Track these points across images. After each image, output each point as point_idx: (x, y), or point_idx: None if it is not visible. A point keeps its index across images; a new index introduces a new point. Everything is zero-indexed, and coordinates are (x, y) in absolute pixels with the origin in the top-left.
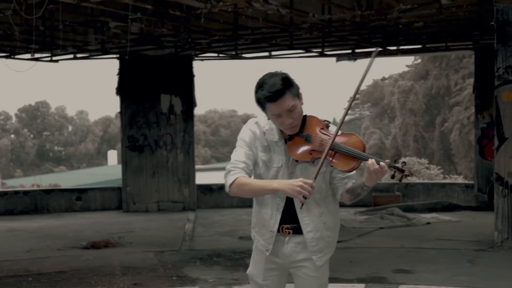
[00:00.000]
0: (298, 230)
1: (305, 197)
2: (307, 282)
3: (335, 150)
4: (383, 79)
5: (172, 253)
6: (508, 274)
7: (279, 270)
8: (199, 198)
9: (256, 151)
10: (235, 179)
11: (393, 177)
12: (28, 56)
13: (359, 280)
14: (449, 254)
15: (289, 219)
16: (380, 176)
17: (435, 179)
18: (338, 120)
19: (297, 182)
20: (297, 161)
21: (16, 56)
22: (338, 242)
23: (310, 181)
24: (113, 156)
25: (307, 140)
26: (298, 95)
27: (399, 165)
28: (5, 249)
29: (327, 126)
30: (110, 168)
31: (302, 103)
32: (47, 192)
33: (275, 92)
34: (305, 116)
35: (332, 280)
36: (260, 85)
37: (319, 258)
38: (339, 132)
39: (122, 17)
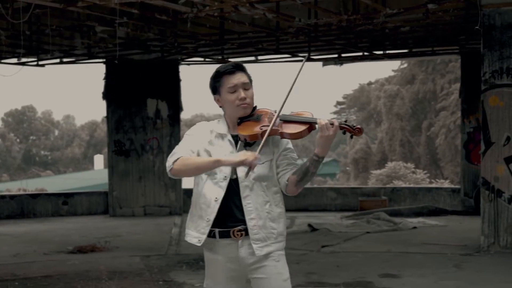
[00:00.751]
0: (248, 231)
1: (250, 167)
2: (272, 281)
3: (283, 120)
4: (370, 83)
5: (159, 258)
6: (494, 279)
7: (238, 277)
8: (185, 202)
9: (201, 146)
10: (178, 158)
11: (344, 133)
12: (14, 60)
13: (346, 285)
14: (436, 259)
15: (238, 215)
16: (331, 135)
17: (422, 184)
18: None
19: (241, 152)
20: (246, 145)
21: (2, 61)
22: (324, 246)
23: (254, 153)
24: (99, 160)
25: (258, 119)
26: (251, 83)
27: (351, 124)
28: None
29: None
30: (97, 173)
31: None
32: (34, 196)
33: (235, 64)
34: (255, 107)
35: (319, 284)
36: (219, 67)
37: (259, 248)
38: (290, 113)
39: (108, 21)
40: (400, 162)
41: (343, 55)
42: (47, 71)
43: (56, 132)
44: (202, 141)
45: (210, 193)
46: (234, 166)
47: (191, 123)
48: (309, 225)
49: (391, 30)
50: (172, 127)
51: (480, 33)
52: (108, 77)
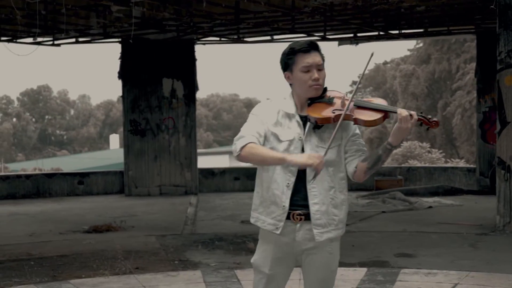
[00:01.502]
0: (308, 217)
1: (316, 169)
2: (317, 270)
3: (357, 105)
4: (385, 63)
5: (174, 237)
6: (510, 258)
7: (287, 259)
8: (201, 182)
9: (267, 126)
10: (247, 143)
11: (421, 124)
12: (30, 40)
13: (361, 264)
14: (451, 238)
15: (300, 199)
16: (408, 126)
17: (437, 163)
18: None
19: (306, 153)
20: (315, 128)
21: (18, 40)
22: None
23: (319, 155)
24: (115, 140)
25: (329, 102)
26: (324, 64)
27: (428, 116)
28: (7, 233)
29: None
30: (112, 152)
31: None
32: (49, 176)
33: (311, 43)
34: (325, 88)
35: None
36: (293, 44)
37: (319, 233)
38: (363, 98)
39: (124, 1)
40: (415, 141)
41: (358, 34)
42: (63, 50)
43: (72, 112)
44: (268, 122)
45: (282, 179)
46: (299, 167)
47: (206, 103)
48: None
49: (407, 10)
50: (188, 107)
51: (495, 12)
52: (123, 57)
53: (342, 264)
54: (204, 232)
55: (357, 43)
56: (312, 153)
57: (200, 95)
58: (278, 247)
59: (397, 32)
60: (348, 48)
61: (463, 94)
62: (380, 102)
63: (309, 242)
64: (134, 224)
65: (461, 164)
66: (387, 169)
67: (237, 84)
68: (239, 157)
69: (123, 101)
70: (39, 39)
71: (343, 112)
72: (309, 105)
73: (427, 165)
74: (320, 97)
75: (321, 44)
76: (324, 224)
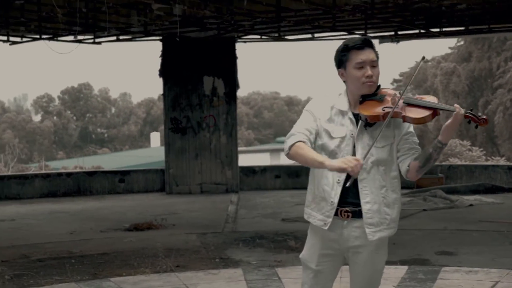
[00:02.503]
0: (356, 214)
1: (352, 173)
2: (363, 268)
3: (407, 102)
4: (426, 61)
5: (215, 235)
6: None
7: (334, 255)
8: (242, 180)
9: (320, 122)
10: (296, 142)
11: (469, 122)
12: (71, 38)
13: (402, 262)
14: (492, 236)
15: (350, 197)
16: (458, 123)
17: (478, 161)
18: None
19: (344, 157)
20: (366, 125)
21: (59, 38)
22: None
23: (357, 158)
24: (156, 138)
25: (380, 99)
26: (378, 61)
27: (478, 114)
28: (48, 231)
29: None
30: (153, 150)
31: None
32: (90, 174)
33: (365, 40)
34: (378, 86)
35: None
36: (347, 41)
37: (372, 232)
38: (415, 96)
39: None
40: (456, 139)
41: (399, 32)
42: (104, 48)
43: (113, 110)
44: (322, 118)
45: (332, 175)
46: (335, 171)
47: (247, 101)
48: None
49: (448, 8)
50: (229, 105)
51: None
52: (164, 55)
53: None
54: (245, 230)
55: (398, 41)
56: (348, 157)
57: (241, 93)
58: (325, 243)
59: (438, 30)
60: (389, 46)
61: (504, 92)
62: (432, 99)
63: (355, 240)
64: (175, 222)
65: (502, 162)
66: None
67: (278, 82)
68: (288, 156)
69: (164, 99)
70: (80, 37)
71: (391, 110)
72: (360, 102)
73: (467, 163)
74: (372, 95)
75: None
76: (377, 223)
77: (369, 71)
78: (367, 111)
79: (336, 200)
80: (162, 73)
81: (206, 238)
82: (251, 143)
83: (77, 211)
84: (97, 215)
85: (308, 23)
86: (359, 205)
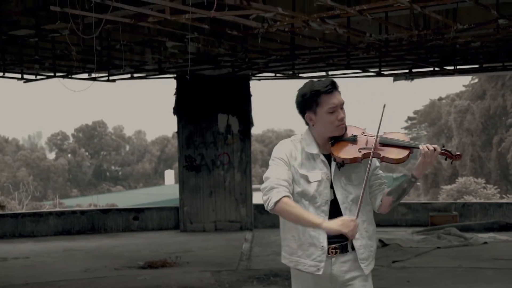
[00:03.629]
0: (343, 249)
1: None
2: None
3: (383, 143)
4: (440, 99)
5: (229, 273)
6: None
7: None
8: (256, 217)
9: (294, 169)
10: (281, 198)
11: (446, 159)
12: (85, 75)
13: None
14: (507, 274)
15: (333, 237)
16: (432, 160)
17: (492, 199)
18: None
19: (341, 220)
20: (341, 166)
21: (73, 76)
22: (394, 262)
23: (353, 218)
24: (170, 175)
25: (353, 141)
26: None
27: (450, 149)
28: (62, 268)
29: (365, 131)
30: (167, 188)
31: None
32: (104, 211)
33: (333, 82)
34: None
35: None
36: (312, 83)
37: (366, 267)
38: (382, 132)
39: (179, 36)
40: (470, 177)
41: (413, 70)
42: (118, 86)
43: (127, 147)
44: (294, 164)
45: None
46: (333, 234)
47: (261, 139)
48: (380, 240)
49: (462, 46)
50: (243, 142)
51: None
52: (178, 92)
53: None
54: (259, 268)
55: (412, 79)
56: (346, 218)
57: (255, 130)
58: (315, 284)
59: (452, 67)
60: (403, 83)
61: None
62: (401, 137)
63: (346, 274)
64: (189, 260)
65: None
66: (442, 205)
67: (292, 119)
68: (273, 211)
69: (178, 136)
70: (94, 75)
71: (371, 152)
72: (332, 144)
73: (482, 201)
74: (342, 135)
75: (376, 80)
76: (367, 256)
77: (341, 114)
78: (343, 154)
79: (325, 244)
80: (176, 110)
81: (220, 276)
82: None
83: (91, 249)
84: (111, 253)
85: (322, 61)
86: (342, 240)
